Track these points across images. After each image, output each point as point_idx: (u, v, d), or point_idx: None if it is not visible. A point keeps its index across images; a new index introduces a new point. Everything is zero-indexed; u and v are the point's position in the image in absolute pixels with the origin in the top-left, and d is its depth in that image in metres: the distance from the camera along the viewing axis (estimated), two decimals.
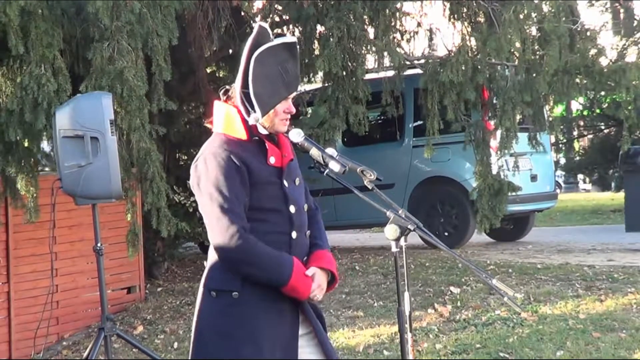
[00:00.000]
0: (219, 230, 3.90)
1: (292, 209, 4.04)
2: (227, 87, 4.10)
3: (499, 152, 11.66)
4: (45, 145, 10.45)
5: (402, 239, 3.97)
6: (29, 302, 9.86)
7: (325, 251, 4.19)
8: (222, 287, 3.97)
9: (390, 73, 12.14)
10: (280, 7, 12.21)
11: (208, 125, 4.13)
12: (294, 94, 4.08)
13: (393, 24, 11.66)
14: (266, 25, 4.12)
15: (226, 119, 4.04)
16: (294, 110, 4.07)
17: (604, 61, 11.54)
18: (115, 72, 8.33)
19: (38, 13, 8.22)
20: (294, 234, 4.04)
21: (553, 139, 17.39)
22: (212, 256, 4.04)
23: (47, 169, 9.65)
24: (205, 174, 3.94)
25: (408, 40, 12.51)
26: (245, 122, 4.00)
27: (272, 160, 4.02)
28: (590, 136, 25.52)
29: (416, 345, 7.98)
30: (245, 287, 3.93)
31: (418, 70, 12.23)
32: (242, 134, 4.00)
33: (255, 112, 3.95)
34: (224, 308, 3.95)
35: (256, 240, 3.90)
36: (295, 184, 4.13)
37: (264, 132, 4.04)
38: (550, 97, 12.07)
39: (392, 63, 11.46)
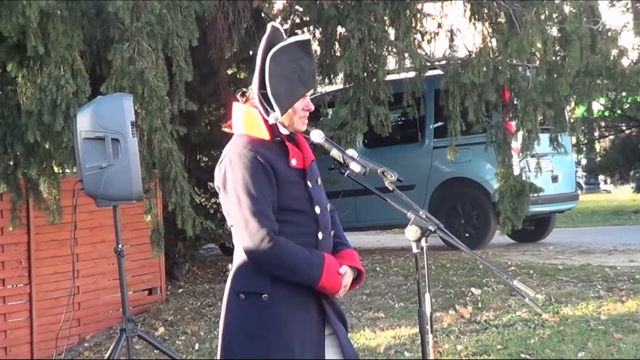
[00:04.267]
0: (248, 233, 3.87)
1: (317, 209, 4.03)
2: (244, 89, 4.09)
3: (520, 154, 11.62)
4: None
5: (423, 240, 3.95)
6: (51, 304, 9.92)
7: (352, 250, 4.21)
8: (251, 289, 3.94)
9: (411, 74, 12.11)
10: (300, 9, 12.21)
11: (226, 130, 4.12)
12: (311, 90, 4.07)
13: (414, 25, 11.64)
14: (279, 26, 4.11)
15: (247, 119, 4.02)
16: (312, 108, 4.06)
17: (625, 62, 11.48)
18: (136, 72, 8.35)
19: (57, 14, 8.22)
20: (320, 235, 4.04)
21: (574, 140, 17.33)
22: (239, 258, 4.01)
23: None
24: (232, 176, 3.91)
25: (429, 42, 12.48)
26: (267, 122, 3.98)
27: (293, 162, 4.00)
28: (611, 137, 25.51)
29: (437, 346, 7.97)
30: (275, 289, 3.91)
31: (439, 72, 12.20)
32: (265, 134, 3.98)
33: (274, 111, 3.94)
34: (253, 310, 3.92)
35: (286, 240, 3.88)
36: (318, 184, 4.12)
37: (284, 132, 4.02)
38: (572, 98, 12.03)
39: (413, 64, 11.41)
